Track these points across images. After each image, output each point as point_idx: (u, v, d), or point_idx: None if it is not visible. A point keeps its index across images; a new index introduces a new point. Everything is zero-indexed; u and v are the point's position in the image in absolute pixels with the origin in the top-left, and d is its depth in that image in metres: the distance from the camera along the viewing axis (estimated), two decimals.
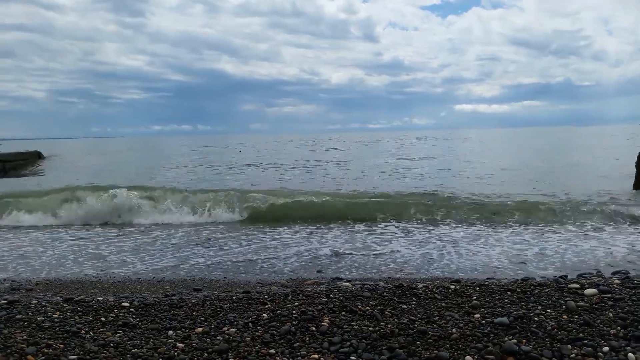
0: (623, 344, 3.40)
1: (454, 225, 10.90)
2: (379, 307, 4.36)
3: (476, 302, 4.52)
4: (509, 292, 4.87)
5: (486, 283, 5.33)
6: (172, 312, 4.50)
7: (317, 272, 7.16)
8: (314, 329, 3.86)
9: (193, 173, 22.28)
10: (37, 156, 31.16)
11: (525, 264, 7.55)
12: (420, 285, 5.11)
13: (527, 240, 9.29)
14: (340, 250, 8.41)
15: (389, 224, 11.19)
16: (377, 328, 3.82)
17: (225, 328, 3.98)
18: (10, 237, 10.85)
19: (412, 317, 4.09)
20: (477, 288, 5.05)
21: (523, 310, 4.21)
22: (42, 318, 4.31)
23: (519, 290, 4.94)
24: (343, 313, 4.22)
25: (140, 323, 4.17)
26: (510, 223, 10.96)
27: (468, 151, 38.99)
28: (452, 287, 5.08)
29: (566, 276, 6.32)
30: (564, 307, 4.27)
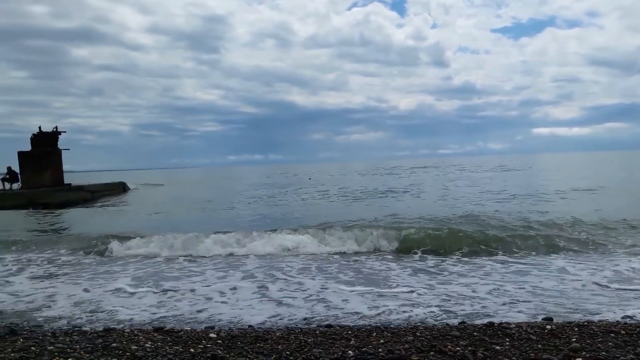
0: None
1: None
2: (469, 348, 4.16)
3: (576, 344, 4.21)
4: (612, 334, 4.51)
5: (585, 323, 4.97)
6: (258, 344, 4.52)
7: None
8: None
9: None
10: (122, 187, 32.87)
11: None
12: (513, 325, 4.85)
13: None
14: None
15: None
16: None
17: None
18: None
19: None
20: (576, 328, 4.71)
21: (631, 356, 3.88)
22: (136, 347, 4.46)
23: (623, 332, 4.57)
24: (432, 353, 4.06)
25: (228, 355, 4.21)
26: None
27: None
28: (548, 327, 4.78)
29: None
30: None
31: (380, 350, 4.17)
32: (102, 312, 6.51)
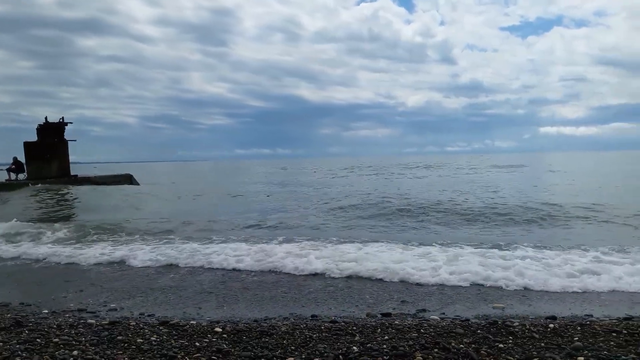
0: None
1: None
2: (473, 346, 4.19)
3: (579, 343, 4.24)
4: (614, 334, 4.53)
5: (587, 322, 4.99)
6: (263, 339, 4.56)
7: (401, 301, 6.95)
8: None
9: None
10: (130, 179, 32.81)
11: None
12: (517, 323, 4.87)
13: None
14: None
15: None
16: None
17: (316, 359, 3.97)
18: None
19: (509, 358, 3.90)
20: (579, 327, 4.73)
21: (633, 355, 3.90)
22: (141, 340, 4.51)
23: (625, 331, 4.58)
24: (436, 350, 4.09)
25: (233, 350, 4.25)
26: None
27: None
28: (551, 325, 4.80)
29: None
30: None
31: (385, 346, 4.21)
32: None
